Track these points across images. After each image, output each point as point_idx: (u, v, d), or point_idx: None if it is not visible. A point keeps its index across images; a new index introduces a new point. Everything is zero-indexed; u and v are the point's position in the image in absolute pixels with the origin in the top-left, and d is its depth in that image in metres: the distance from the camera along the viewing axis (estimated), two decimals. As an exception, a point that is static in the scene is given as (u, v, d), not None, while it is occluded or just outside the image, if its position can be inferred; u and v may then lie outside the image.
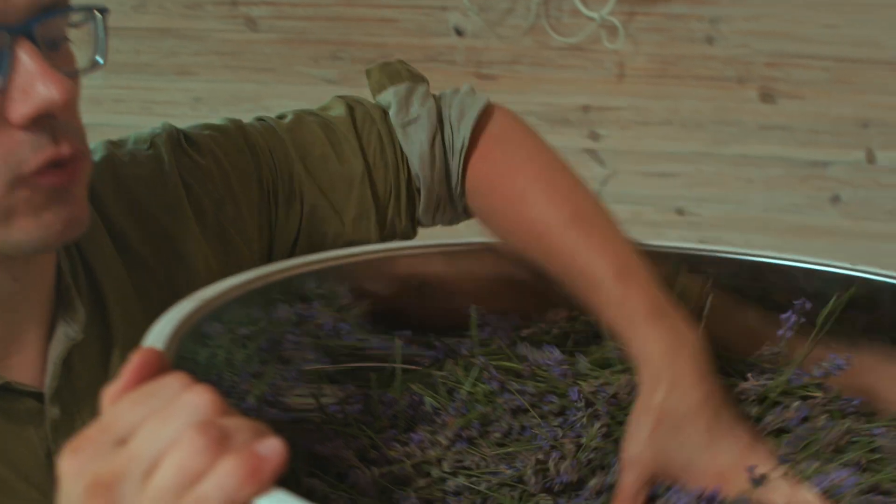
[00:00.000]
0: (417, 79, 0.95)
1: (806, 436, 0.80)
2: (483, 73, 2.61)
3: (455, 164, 0.88)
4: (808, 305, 0.85)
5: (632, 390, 0.80)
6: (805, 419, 0.82)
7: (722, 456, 0.73)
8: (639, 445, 0.74)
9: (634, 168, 2.64)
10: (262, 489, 0.44)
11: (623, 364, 0.85)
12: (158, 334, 0.59)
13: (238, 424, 0.48)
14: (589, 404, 0.79)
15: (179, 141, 0.87)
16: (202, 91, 2.71)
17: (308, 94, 2.58)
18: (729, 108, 2.59)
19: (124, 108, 2.76)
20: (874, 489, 0.73)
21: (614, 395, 0.80)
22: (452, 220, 0.93)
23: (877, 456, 0.77)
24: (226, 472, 0.44)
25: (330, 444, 0.74)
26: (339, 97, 0.95)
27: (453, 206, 0.91)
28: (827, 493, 0.72)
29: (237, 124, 0.91)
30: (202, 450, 0.45)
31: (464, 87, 0.95)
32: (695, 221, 2.66)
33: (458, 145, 0.89)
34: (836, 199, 2.63)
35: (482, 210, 0.88)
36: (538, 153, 0.88)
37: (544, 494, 0.71)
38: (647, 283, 0.78)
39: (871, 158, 2.60)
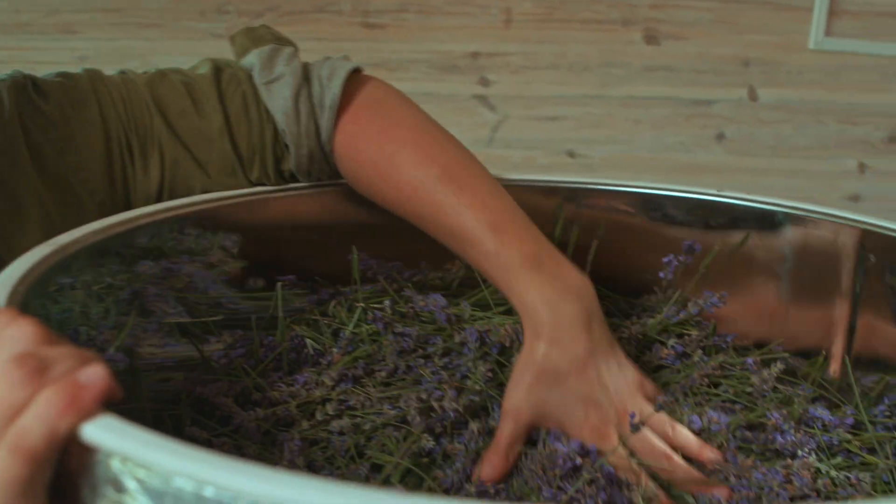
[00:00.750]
0: (283, 41, 0.94)
1: (681, 370, 0.83)
2: (370, 22, 2.59)
3: (325, 121, 0.87)
4: (698, 247, 0.87)
5: (517, 337, 0.81)
6: (682, 355, 0.85)
7: (602, 409, 0.74)
8: (518, 398, 0.74)
9: (525, 113, 2.66)
10: (84, 416, 0.42)
11: (505, 305, 0.88)
12: (7, 278, 0.56)
13: (62, 353, 0.46)
14: (482, 344, 0.80)
15: (25, 87, 0.84)
16: (87, 50, 2.64)
17: (197, 49, 2.55)
18: (615, 50, 2.62)
19: (6, 69, 2.66)
20: (747, 426, 0.76)
21: (500, 341, 0.81)
22: (332, 177, 0.92)
23: (749, 390, 0.80)
24: (45, 403, 0.43)
25: (211, 389, 0.75)
26: (209, 59, 0.93)
27: (327, 163, 0.90)
28: (703, 431, 0.74)
29: (92, 74, 0.88)
30: (19, 382, 0.44)
31: (336, 56, 0.93)
32: (586, 163, 2.70)
33: (327, 101, 0.88)
34: (720, 137, 2.69)
35: (352, 172, 0.87)
36: (408, 116, 0.87)
37: (426, 434, 0.71)
38: (523, 234, 0.78)
39: (753, 96, 2.67)
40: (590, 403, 0.74)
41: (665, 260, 0.87)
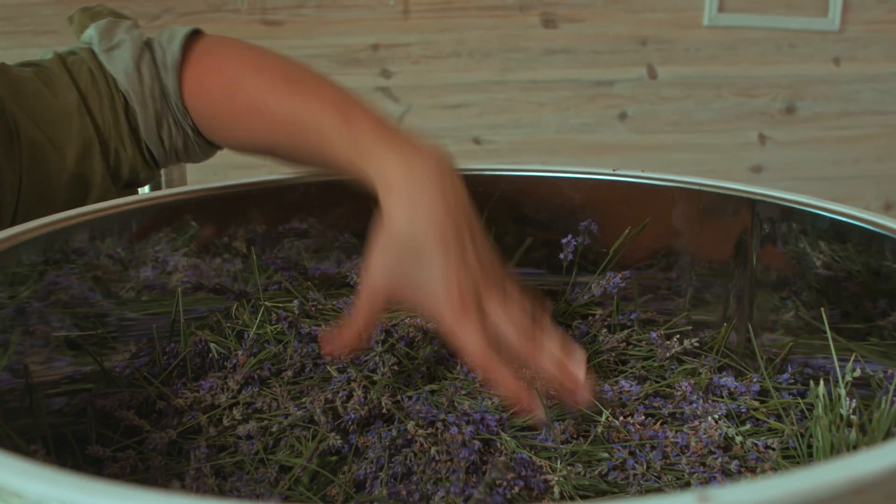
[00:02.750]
0: (121, 17, 0.93)
1: (588, 349, 0.83)
2: (269, 19, 2.58)
3: (171, 80, 0.87)
4: (595, 228, 0.87)
5: (424, 330, 0.81)
6: (586, 335, 0.85)
7: (463, 284, 0.68)
8: (374, 274, 0.71)
9: (428, 102, 2.66)
10: None
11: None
12: None
13: None
14: (388, 337, 0.80)
15: None
16: (-22, 60, 2.58)
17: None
18: (514, 35, 2.64)
19: None
20: (655, 395, 0.77)
21: (406, 334, 0.81)
22: (191, 149, 0.91)
23: (656, 365, 0.81)
24: None
25: (113, 401, 0.73)
26: (52, 51, 0.92)
27: (181, 126, 0.89)
28: (614, 401, 0.75)
29: None
30: None
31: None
32: (492, 149, 2.71)
33: (169, 61, 0.88)
34: (623, 116, 2.72)
35: (202, 113, 0.88)
36: (247, 48, 0.88)
37: (334, 434, 0.70)
38: (371, 114, 0.76)
39: (652, 74, 2.70)
40: (451, 279, 0.68)
41: (563, 241, 0.88)
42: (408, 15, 2.59)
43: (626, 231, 0.88)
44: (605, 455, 0.68)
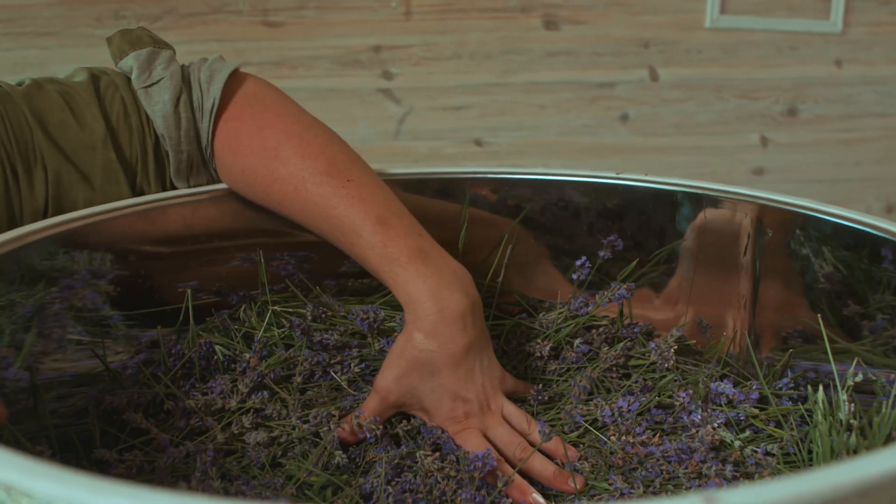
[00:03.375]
0: (161, 44, 0.92)
1: (586, 365, 0.84)
2: (270, 20, 2.57)
3: (205, 125, 0.87)
4: (620, 245, 0.88)
5: None
6: (587, 354, 0.85)
7: (468, 403, 0.76)
8: (389, 380, 0.76)
9: (429, 104, 2.66)
10: None
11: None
12: None
13: None
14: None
15: None
16: (-20, 62, 2.59)
17: (94, 56, 2.50)
18: (515, 37, 2.64)
19: None
20: (657, 406, 0.77)
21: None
22: (210, 183, 0.90)
23: (656, 376, 0.82)
24: None
25: (119, 399, 0.73)
26: (84, 67, 0.91)
27: (206, 169, 0.89)
28: (614, 422, 0.76)
29: None
30: None
31: (213, 56, 0.92)
32: (493, 151, 2.71)
33: (207, 105, 0.87)
34: (624, 118, 2.72)
35: (234, 170, 0.86)
36: (291, 112, 0.87)
37: (339, 452, 0.71)
38: (409, 228, 0.78)
39: (654, 76, 2.70)
40: (458, 397, 0.76)
41: (578, 262, 0.88)
42: (409, 16, 2.59)
43: (635, 262, 0.88)
44: (608, 486, 0.69)
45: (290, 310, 0.86)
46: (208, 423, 0.74)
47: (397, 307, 0.88)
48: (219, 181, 0.90)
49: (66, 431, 0.70)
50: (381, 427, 0.74)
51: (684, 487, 0.67)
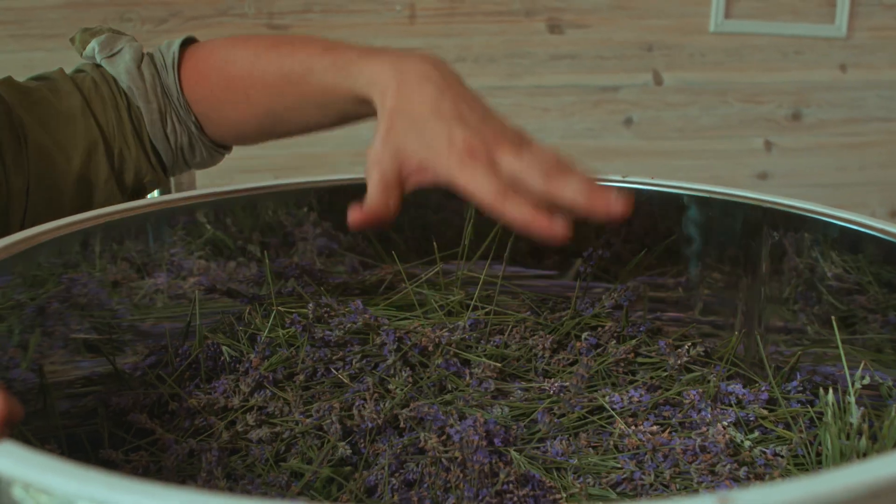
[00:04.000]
0: (121, 33, 0.95)
1: (596, 359, 0.83)
2: (275, 24, 2.58)
3: (171, 78, 0.90)
4: (614, 243, 0.88)
5: (438, 341, 0.81)
6: (595, 347, 0.85)
7: (468, 129, 0.67)
8: (376, 146, 0.71)
9: (434, 107, 2.66)
10: None
11: (421, 308, 0.88)
12: None
13: None
14: (401, 345, 0.80)
15: None
16: (-14, 63, 2.60)
17: (98, 59, 2.51)
18: (519, 41, 2.64)
19: None
20: (664, 403, 0.77)
21: (419, 343, 0.81)
22: (197, 149, 0.92)
23: (665, 374, 0.81)
24: None
25: (125, 399, 0.74)
26: (58, 68, 0.95)
27: (184, 124, 0.90)
28: (624, 410, 0.75)
29: None
30: None
31: None
32: (498, 155, 2.71)
33: (168, 61, 0.91)
34: (628, 121, 2.73)
35: (204, 97, 0.91)
36: (237, 37, 0.91)
37: (343, 443, 0.70)
38: (355, 45, 0.79)
39: (658, 80, 2.71)
40: (453, 127, 0.68)
41: (585, 254, 0.88)
42: (413, 20, 2.60)
43: (642, 252, 0.88)
44: (616, 465, 0.69)
45: (295, 310, 0.86)
46: (211, 421, 0.75)
47: (401, 308, 0.88)
48: (204, 140, 0.94)
49: (74, 432, 0.70)
50: (381, 416, 0.73)
51: (694, 483, 0.67)
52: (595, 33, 2.65)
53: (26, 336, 0.66)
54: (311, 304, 0.85)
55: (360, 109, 0.80)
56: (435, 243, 0.89)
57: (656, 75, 2.70)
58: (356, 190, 0.85)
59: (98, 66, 0.92)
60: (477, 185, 0.65)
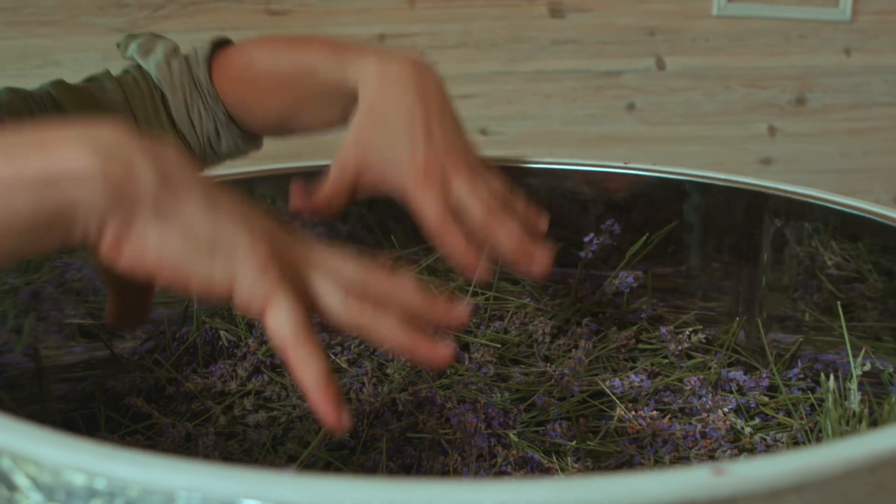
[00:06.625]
0: (161, 36, 0.98)
1: (596, 345, 0.83)
2: (274, 9, 2.57)
3: (202, 71, 0.92)
4: (617, 229, 0.87)
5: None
6: (596, 333, 0.85)
7: (433, 149, 0.72)
8: (347, 143, 0.76)
9: (435, 92, 2.66)
10: None
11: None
12: None
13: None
14: None
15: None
16: (-15, 50, 2.59)
17: (97, 44, 2.50)
18: (520, 26, 2.63)
19: None
20: (664, 389, 0.77)
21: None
22: (224, 138, 0.94)
23: (666, 361, 0.81)
24: None
25: (122, 383, 0.74)
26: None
27: (210, 111, 0.93)
28: (624, 395, 0.75)
29: (12, 91, 0.91)
30: None
31: None
32: (499, 140, 2.71)
33: (200, 56, 0.93)
34: (631, 107, 2.72)
35: (231, 92, 0.93)
36: (269, 37, 0.93)
37: None
38: (357, 45, 0.81)
39: (660, 65, 2.70)
40: (417, 144, 0.72)
41: (586, 240, 0.87)
42: (414, 5, 2.59)
43: (643, 239, 0.87)
44: (616, 449, 0.68)
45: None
46: (209, 406, 0.74)
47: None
48: (231, 130, 0.95)
49: (71, 416, 0.70)
50: (379, 400, 0.73)
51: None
52: (597, 18, 2.64)
53: (20, 321, 0.66)
54: None
55: (351, 98, 0.83)
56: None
57: (659, 60, 2.69)
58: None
59: (138, 65, 0.95)
60: (426, 206, 0.70)
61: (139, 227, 0.47)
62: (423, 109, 0.74)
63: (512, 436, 0.69)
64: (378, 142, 0.74)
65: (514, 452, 0.68)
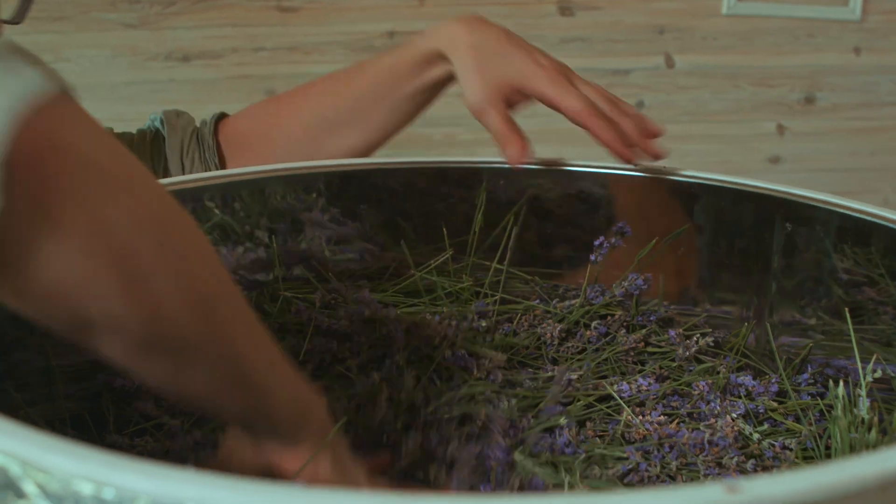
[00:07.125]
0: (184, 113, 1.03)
1: (606, 348, 0.83)
2: (284, 6, 2.57)
3: (207, 129, 0.98)
4: (629, 230, 0.87)
5: (445, 333, 0.80)
6: (605, 335, 0.85)
7: (547, 55, 0.84)
8: (473, 88, 0.82)
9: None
10: None
11: (428, 295, 0.87)
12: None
13: None
14: (409, 337, 0.79)
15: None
16: (-4, 46, 2.59)
17: (108, 41, 2.49)
18: (529, 23, 2.62)
19: None
20: (672, 393, 0.77)
21: (428, 335, 0.81)
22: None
23: (675, 364, 0.81)
24: None
25: (129, 384, 0.74)
26: None
27: (204, 162, 1.00)
28: (633, 398, 0.75)
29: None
30: None
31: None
32: (507, 138, 2.70)
33: (210, 120, 0.99)
34: (640, 105, 2.71)
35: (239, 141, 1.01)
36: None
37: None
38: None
39: (669, 63, 2.69)
40: (534, 53, 0.83)
41: (596, 243, 0.87)
42: (423, 2, 2.59)
43: (654, 241, 0.87)
44: (622, 454, 0.68)
45: (302, 296, 0.85)
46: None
47: (409, 294, 0.87)
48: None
49: (79, 414, 0.70)
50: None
51: (701, 475, 0.67)
52: (606, 16, 2.63)
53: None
54: (318, 293, 0.84)
55: (424, 76, 0.92)
56: (445, 230, 0.88)
57: (668, 58, 2.69)
58: (365, 175, 0.85)
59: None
60: (569, 101, 0.80)
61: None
62: (507, 34, 0.83)
63: (517, 455, 0.69)
64: (499, 65, 0.81)
65: (521, 477, 0.67)
